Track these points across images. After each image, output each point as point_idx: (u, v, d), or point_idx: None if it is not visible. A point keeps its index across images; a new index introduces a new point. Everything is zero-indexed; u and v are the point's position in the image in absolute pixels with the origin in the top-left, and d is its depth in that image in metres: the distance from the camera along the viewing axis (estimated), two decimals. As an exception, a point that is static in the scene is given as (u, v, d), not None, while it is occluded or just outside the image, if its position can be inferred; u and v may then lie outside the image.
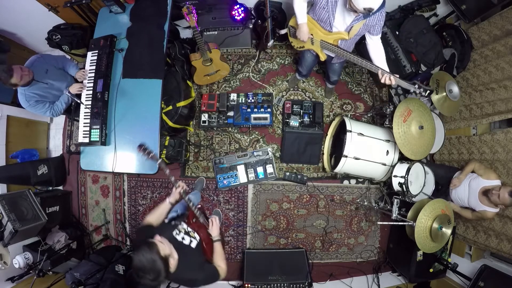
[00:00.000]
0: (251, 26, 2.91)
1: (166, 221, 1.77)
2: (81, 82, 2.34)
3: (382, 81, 1.96)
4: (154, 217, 1.65)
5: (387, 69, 1.98)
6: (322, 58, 2.16)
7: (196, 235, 1.69)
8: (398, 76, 1.96)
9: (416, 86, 1.96)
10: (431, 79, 2.65)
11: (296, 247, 3.09)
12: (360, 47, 2.73)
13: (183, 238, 1.59)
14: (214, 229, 1.75)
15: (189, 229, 1.70)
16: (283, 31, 2.34)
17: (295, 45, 2.22)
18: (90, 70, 2.34)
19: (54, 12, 2.56)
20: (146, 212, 3.15)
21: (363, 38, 2.04)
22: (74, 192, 3.28)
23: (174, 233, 1.58)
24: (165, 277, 1.36)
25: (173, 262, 1.40)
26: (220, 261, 1.64)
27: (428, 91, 1.97)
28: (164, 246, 1.38)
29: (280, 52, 3.28)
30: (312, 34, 2.01)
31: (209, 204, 3.13)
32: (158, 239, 1.40)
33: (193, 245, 1.61)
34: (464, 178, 2.51)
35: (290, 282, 2.63)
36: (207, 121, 3.05)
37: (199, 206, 1.98)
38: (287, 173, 3.09)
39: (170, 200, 1.72)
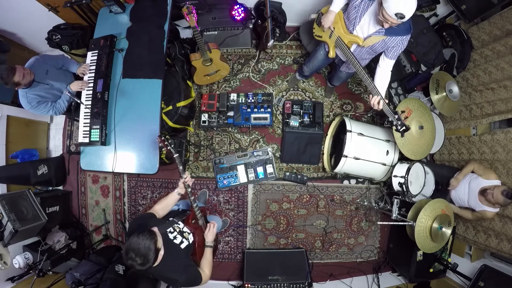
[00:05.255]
0: (251, 26, 2.91)
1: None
2: (82, 78, 2.34)
3: (372, 101, 1.98)
4: (161, 207, 1.71)
5: (383, 95, 2.01)
6: (331, 54, 2.22)
7: (190, 236, 1.70)
8: (387, 102, 1.98)
9: (396, 117, 1.99)
10: (431, 79, 2.66)
11: (296, 247, 3.09)
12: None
13: (175, 237, 1.62)
14: (209, 235, 1.77)
15: (185, 229, 1.71)
16: (313, 15, 2.40)
17: (316, 32, 2.30)
18: (90, 70, 2.35)
19: (54, 12, 2.56)
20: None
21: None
22: (74, 192, 3.28)
23: (168, 230, 1.61)
24: (149, 268, 1.40)
25: (159, 257, 1.45)
26: (206, 267, 1.67)
27: (404, 128, 2.00)
28: (160, 239, 1.45)
29: (280, 52, 3.28)
30: (334, 28, 2.07)
31: (209, 204, 3.13)
32: (157, 231, 1.47)
33: (183, 246, 1.63)
34: (462, 178, 2.51)
35: (290, 282, 2.63)
36: (207, 121, 3.05)
37: (202, 207, 2.00)
38: (287, 173, 3.09)
39: (178, 191, 1.77)
